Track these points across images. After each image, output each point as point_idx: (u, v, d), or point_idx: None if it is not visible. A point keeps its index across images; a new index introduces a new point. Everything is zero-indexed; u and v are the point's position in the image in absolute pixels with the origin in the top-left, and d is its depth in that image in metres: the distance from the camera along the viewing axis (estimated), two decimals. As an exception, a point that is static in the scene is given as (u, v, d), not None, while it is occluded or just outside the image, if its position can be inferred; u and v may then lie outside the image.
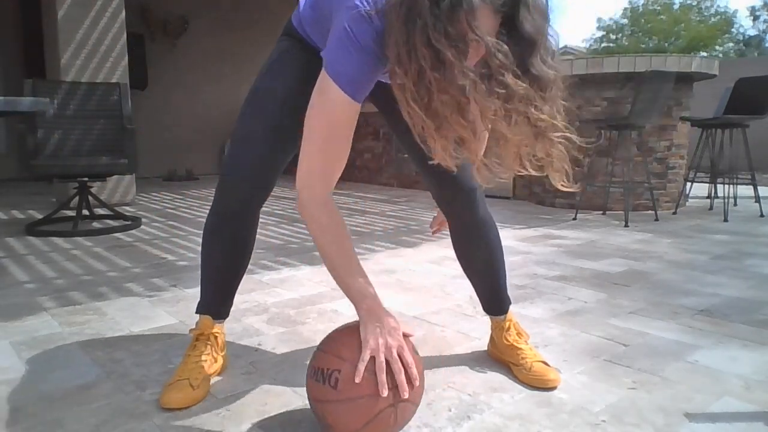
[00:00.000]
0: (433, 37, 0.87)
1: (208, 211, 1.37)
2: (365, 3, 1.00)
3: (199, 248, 1.40)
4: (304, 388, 1.33)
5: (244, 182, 1.28)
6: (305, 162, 1.07)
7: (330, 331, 1.14)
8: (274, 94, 1.26)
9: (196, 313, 1.39)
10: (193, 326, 1.39)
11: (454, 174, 1.30)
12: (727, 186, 4.23)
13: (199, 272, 1.39)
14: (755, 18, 27.20)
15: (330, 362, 1.03)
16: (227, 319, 1.44)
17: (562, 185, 1.03)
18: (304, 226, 3.64)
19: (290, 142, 1.29)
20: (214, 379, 1.36)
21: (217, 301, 1.39)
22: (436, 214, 1.52)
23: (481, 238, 1.41)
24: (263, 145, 1.26)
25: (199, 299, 1.40)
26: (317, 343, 1.62)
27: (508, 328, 1.45)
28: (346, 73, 1.02)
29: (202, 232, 1.39)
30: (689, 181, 4.50)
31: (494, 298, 1.47)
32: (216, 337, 1.38)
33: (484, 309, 1.50)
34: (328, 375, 1.02)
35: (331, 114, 1.04)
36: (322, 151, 1.06)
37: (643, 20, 26.50)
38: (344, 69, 1.02)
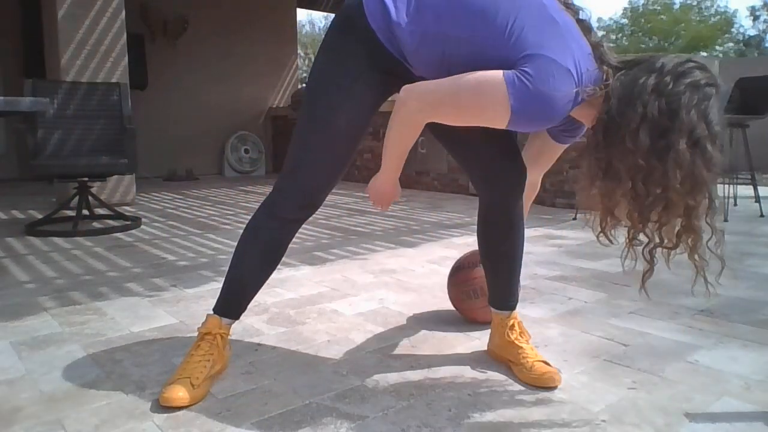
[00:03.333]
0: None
1: (253, 217, 1.37)
2: (576, 69, 1.08)
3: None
4: (304, 388, 1.33)
5: (308, 212, 1.34)
6: (432, 93, 1.13)
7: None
8: (353, 131, 1.28)
9: (213, 311, 1.38)
10: (200, 325, 1.39)
11: (511, 163, 1.36)
12: (727, 186, 4.22)
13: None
14: (755, 18, 27.20)
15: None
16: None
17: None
18: (304, 225, 3.64)
19: (352, 157, 1.34)
20: (214, 379, 1.36)
21: (236, 305, 1.39)
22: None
23: (513, 226, 1.42)
24: (338, 177, 1.32)
25: (218, 297, 1.39)
26: (317, 343, 1.63)
27: (512, 326, 1.46)
28: (529, 123, 1.09)
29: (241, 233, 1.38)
30: (689, 181, 4.49)
31: (505, 293, 1.48)
32: (222, 338, 1.37)
33: (491, 302, 1.50)
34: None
35: (482, 108, 1.10)
36: (444, 104, 1.13)
37: (643, 20, 26.49)
38: (530, 121, 1.08)
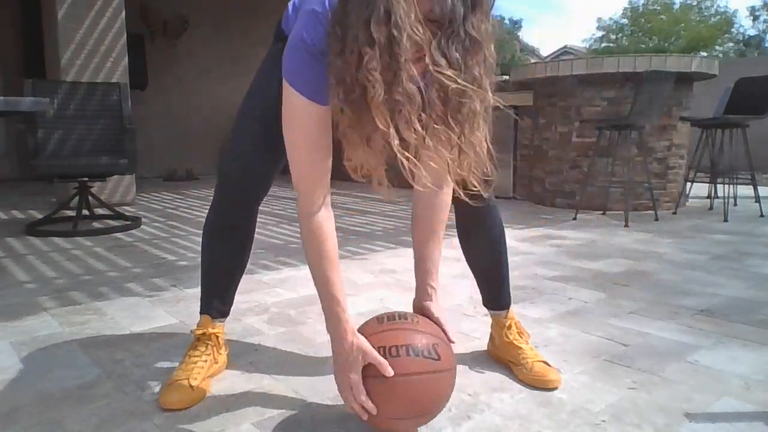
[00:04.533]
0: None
1: (207, 211, 1.37)
2: (323, 5, 0.97)
3: (200, 248, 1.40)
4: (304, 388, 1.33)
5: (246, 183, 1.30)
6: (294, 170, 1.07)
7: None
8: (270, 97, 1.25)
9: (200, 311, 1.39)
10: (194, 326, 1.39)
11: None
12: (727, 186, 4.22)
13: (200, 272, 1.40)
14: (755, 18, 27.18)
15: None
16: (227, 320, 1.44)
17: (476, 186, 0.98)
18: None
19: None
20: (214, 379, 1.36)
21: (217, 301, 1.39)
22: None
23: (491, 223, 1.42)
24: (262, 147, 1.27)
25: (200, 297, 1.40)
26: (317, 343, 1.62)
27: (509, 326, 1.46)
28: (304, 78, 0.99)
29: (202, 231, 1.39)
30: (689, 181, 4.50)
31: (497, 291, 1.48)
32: (217, 337, 1.38)
33: (485, 303, 1.51)
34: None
35: (300, 120, 1.02)
36: (305, 159, 1.05)
37: (643, 20, 26.47)
38: (301, 75, 0.99)
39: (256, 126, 1.27)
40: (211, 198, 1.37)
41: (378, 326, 1.10)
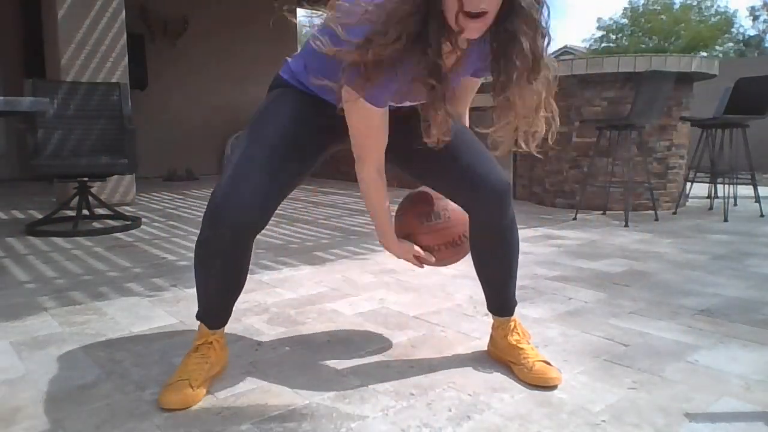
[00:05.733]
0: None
1: (197, 238, 1.28)
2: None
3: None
4: (304, 388, 1.33)
5: (240, 213, 1.16)
6: (355, 148, 1.30)
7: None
8: (273, 128, 1.27)
9: (197, 317, 1.38)
10: (195, 329, 1.39)
11: (487, 175, 1.31)
12: (727, 186, 4.23)
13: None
14: (755, 18, 27.19)
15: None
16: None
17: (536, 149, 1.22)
18: (304, 226, 3.65)
19: (290, 173, 1.28)
20: (214, 379, 1.36)
21: (213, 316, 1.37)
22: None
23: (505, 241, 1.41)
24: (262, 174, 1.20)
25: (198, 306, 1.38)
26: (317, 343, 1.63)
27: (513, 327, 1.46)
28: (378, 95, 1.17)
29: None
30: (689, 181, 4.50)
31: (503, 301, 1.48)
32: (218, 341, 1.37)
33: (490, 309, 1.50)
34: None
35: (360, 117, 1.23)
36: (361, 144, 1.28)
37: (643, 20, 26.49)
38: (380, 93, 1.17)
39: (259, 156, 1.23)
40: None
41: (423, 227, 1.46)
